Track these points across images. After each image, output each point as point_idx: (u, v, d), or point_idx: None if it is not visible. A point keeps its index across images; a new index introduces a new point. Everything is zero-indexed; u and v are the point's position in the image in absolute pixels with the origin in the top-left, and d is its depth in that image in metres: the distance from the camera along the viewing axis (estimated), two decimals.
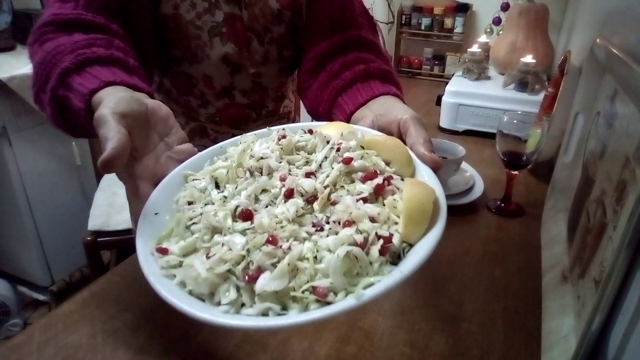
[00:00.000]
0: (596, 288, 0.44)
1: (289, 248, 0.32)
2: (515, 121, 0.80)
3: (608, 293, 0.41)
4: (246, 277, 0.31)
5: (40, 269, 1.80)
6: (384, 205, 0.36)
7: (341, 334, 0.56)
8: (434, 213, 0.35)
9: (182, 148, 0.45)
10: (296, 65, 0.85)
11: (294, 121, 0.99)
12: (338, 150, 0.40)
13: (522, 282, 0.67)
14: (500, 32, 1.67)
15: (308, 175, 0.38)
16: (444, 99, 1.30)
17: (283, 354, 0.53)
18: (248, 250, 0.32)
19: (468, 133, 1.27)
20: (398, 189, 0.37)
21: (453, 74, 1.46)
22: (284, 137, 0.43)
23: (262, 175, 0.39)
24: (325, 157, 0.40)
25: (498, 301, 0.63)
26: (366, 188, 0.37)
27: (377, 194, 0.37)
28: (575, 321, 0.50)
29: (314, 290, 0.30)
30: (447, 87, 1.31)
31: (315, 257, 0.32)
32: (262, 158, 0.40)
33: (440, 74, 2.05)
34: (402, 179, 0.39)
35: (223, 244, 0.33)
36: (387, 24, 2.00)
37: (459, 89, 1.29)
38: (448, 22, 1.98)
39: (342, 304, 0.30)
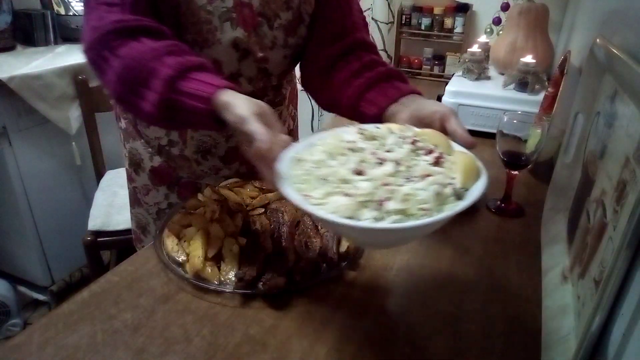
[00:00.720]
0: (596, 288, 0.44)
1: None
2: (515, 121, 0.80)
3: (608, 293, 0.41)
4: (379, 202, 0.47)
5: (40, 269, 1.80)
6: None
7: (341, 334, 0.56)
8: (476, 173, 0.52)
9: (284, 137, 0.55)
10: (298, 54, 0.89)
11: (287, 108, 1.01)
12: (402, 138, 0.56)
13: (522, 282, 0.67)
14: (500, 32, 1.67)
15: (387, 151, 0.54)
16: (444, 99, 1.30)
17: (283, 353, 0.54)
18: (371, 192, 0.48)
19: (468, 133, 1.27)
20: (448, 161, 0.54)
21: (453, 74, 1.46)
22: (362, 130, 0.58)
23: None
24: (393, 142, 0.55)
25: (498, 301, 0.63)
26: (429, 159, 0.53)
27: (437, 164, 0.52)
28: (575, 321, 0.50)
29: (421, 210, 0.46)
30: (447, 87, 1.31)
31: (410, 194, 0.47)
32: (352, 142, 0.55)
33: (440, 74, 2.05)
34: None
35: (355, 187, 0.49)
36: (387, 24, 2.00)
37: (459, 89, 1.29)
38: (448, 22, 1.98)
39: (444, 214, 0.46)
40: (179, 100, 0.60)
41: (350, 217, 0.46)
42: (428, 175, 0.50)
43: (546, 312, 0.59)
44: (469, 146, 0.58)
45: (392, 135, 0.56)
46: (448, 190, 0.49)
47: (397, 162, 0.51)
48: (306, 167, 0.53)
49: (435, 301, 0.62)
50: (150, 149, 0.93)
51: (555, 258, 0.66)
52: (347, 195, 0.47)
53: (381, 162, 0.52)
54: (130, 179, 1.00)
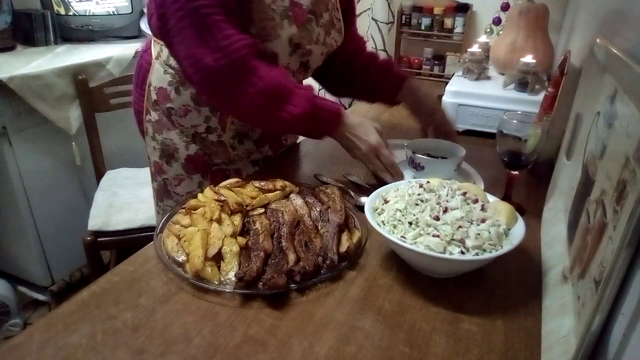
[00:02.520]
0: (596, 288, 0.44)
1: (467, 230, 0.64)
2: (515, 121, 0.80)
3: (608, 293, 0.41)
4: (460, 240, 0.62)
5: (40, 269, 1.80)
6: None
7: (341, 334, 0.56)
8: (515, 216, 0.69)
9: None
10: (329, 54, 1.04)
11: None
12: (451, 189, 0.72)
13: (522, 282, 0.67)
14: (500, 32, 1.67)
15: (446, 201, 0.69)
16: (444, 99, 1.30)
17: (283, 353, 0.54)
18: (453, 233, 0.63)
19: (468, 133, 1.27)
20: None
21: (453, 74, 1.46)
22: (421, 184, 0.74)
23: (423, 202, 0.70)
24: (447, 194, 0.70)
25: (498, 301, 0.63)
26: (477, 206, 0.68)
27: (482, 210, 0.68)
28: (575, 321, 0.50)
29: (490, 245, 0.63)
30: (447, 87, 1.31)
31: (479, 234, 0.63)
32: (418, 194, 0.71)
33: (440, 74, 2.05)
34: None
35: (437, 229, 0.64)
36: (387, 24, 1.99)
37: (459, 89, 1.29)
38: (448, 22, 1.98)
39: (507, 247, 0.62)
40: (318, 113, 0.84)
41: (441, 252, 0.61)
42: (484, 219, 0.65)
43: (546, 312, 0.59)
44: (451, 135, 0.96)
45: (444, 188, 0.72)
46: (501, 229, 0.65)
47: (459, 209, 0.67)
48: (390, 214, 0.68)
49: (435, 301, 0.62)
50: (185, 138, 0.98)
51: (555, 258, 0.66)
52: (435, 236, 0.62)
53: (445, 209, 0.66)
54: (160, 172, 1.03)
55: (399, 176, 0.87)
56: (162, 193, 1.06)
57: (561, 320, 0.53)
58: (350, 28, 1.11)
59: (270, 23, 0.86)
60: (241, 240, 0.68)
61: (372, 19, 1.97)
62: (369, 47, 1.96)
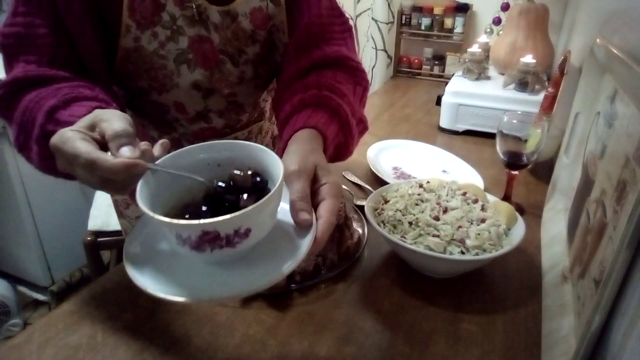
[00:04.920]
0: (596, 288, 0.44)
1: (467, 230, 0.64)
2: (515, 121, 0.80)
3: (608, 293, 0.41)
4: (460, 240, 0.62)
5: (40, 269, 1.80)
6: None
7: (341, 334, 0.56)
8: (514, 216, 0.69)
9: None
10: (272, 79, 0.84)
11: (269, 120, 0.94)
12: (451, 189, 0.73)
13: (522, 282, 0.67)
14: (500, 32, 1.67)
15: (446, 201, 0.70)
16: (444, 99, 1.30)
17: (283, 353, 0.54)
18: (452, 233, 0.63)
19: (468, 133, 1.27)
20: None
21: (453, 74, 1.46)
22: (421, 184, 0.74)
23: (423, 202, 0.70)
24: (447, 194, 0.71)
25: (498, 301, 0.63)
26: (477, 206, 0.68)
27: (482, 210, 0.68)
28: (575, 321, 0.50)
29: (490, 245, 0.63)
30: (447, 87, 1.31)
31: (479, 234, 0.63)
32: (418, 194, 0.71)
33: (440, 74, 2.05)
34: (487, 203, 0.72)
35: (437, 229, 0.64)
36: (387, 24, 1.99)
37: (459, 89, 1.29)
38: (448, 22, 1.98)
39: (507, 247, 0.62)
40: (54, 131, 0.45)
41: (441, 252, 0.61)
42: (484, 219, 0.66)
43: (546, 312, 0.59)
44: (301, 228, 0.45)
45: (444, 188, 0.72)
46: (501, 229, 0.65)
47: (459, 209, 0.67)
48: (390, 214, 0.68)
49: (435, 301, 0.62)
50: None
51: (555, 258, 0.66)
52: (435, 236, 0.63)
53: (445, 209, 0.67)
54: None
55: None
56: (117, 212, 1.00)
57: (561, 320, 0.53)
58: (311, 27, 0.73)
59: (161, 72, 0.69)
60: None
61: (372, 19, 1.96)
62: (369, 47, 1.97)
